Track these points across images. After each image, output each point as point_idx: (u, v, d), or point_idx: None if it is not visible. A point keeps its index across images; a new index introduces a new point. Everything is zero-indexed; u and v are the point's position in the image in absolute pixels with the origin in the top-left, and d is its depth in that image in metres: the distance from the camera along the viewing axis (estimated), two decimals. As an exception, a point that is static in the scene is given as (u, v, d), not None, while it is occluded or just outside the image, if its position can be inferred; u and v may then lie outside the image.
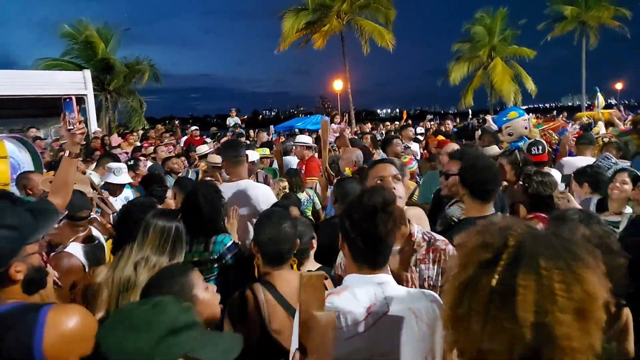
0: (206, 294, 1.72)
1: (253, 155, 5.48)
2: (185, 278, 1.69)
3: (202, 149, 7.47)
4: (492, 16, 27.03)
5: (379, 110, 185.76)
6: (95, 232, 3.03)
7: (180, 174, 5.89)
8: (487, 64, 26.92)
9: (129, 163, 5.65)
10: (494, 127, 6.10)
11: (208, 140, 10.73)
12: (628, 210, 3.22)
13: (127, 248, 2.18)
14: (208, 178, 5.38)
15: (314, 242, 2.55)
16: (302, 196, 4.85)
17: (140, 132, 12.86)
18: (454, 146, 4.34)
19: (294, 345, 1.41)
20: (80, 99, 13.14)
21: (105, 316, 1.94)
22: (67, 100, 2.18)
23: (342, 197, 3.05)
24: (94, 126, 13.00)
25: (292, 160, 6.43)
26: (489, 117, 7.21)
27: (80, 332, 1.36)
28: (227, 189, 3.29)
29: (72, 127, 2.18)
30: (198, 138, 11.16)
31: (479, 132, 6.05)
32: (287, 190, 4.74)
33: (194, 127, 11.91)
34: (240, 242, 3.01)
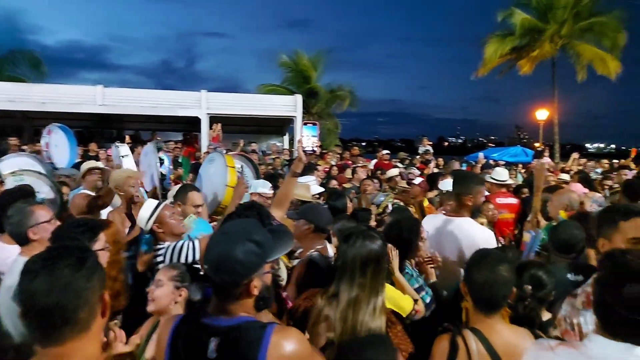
0: None
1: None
2: None
3: (392, 172, 7.51)
4: None
5: (588, 145, 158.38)
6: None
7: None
8: None
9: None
10: None
11: (399, 165, 10.75)
12: None
13: None
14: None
15: None
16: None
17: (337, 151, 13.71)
18: None
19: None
20: (291, 120, 14.92)
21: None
22: None
23: (562, 243, 2.87)
24: (299, 145, 14.54)
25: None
26: None
27: (298, 356, 1.43)
28: (444, 223, 3.15)
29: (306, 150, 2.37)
30: (387, 162, 11.32)
31: None
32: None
33: (385, 151, 12.09)
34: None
